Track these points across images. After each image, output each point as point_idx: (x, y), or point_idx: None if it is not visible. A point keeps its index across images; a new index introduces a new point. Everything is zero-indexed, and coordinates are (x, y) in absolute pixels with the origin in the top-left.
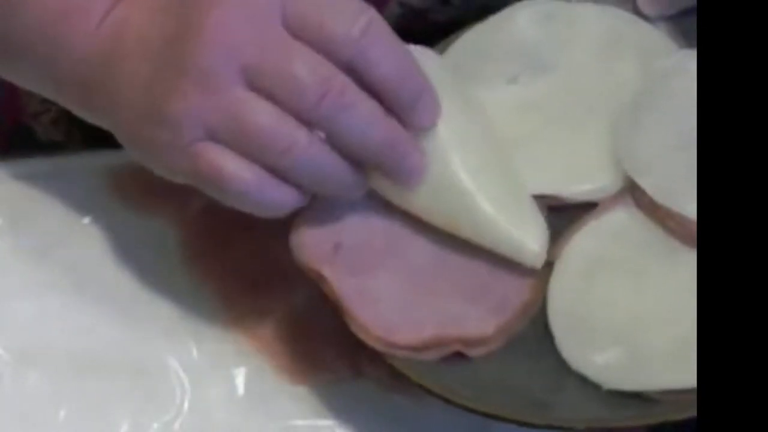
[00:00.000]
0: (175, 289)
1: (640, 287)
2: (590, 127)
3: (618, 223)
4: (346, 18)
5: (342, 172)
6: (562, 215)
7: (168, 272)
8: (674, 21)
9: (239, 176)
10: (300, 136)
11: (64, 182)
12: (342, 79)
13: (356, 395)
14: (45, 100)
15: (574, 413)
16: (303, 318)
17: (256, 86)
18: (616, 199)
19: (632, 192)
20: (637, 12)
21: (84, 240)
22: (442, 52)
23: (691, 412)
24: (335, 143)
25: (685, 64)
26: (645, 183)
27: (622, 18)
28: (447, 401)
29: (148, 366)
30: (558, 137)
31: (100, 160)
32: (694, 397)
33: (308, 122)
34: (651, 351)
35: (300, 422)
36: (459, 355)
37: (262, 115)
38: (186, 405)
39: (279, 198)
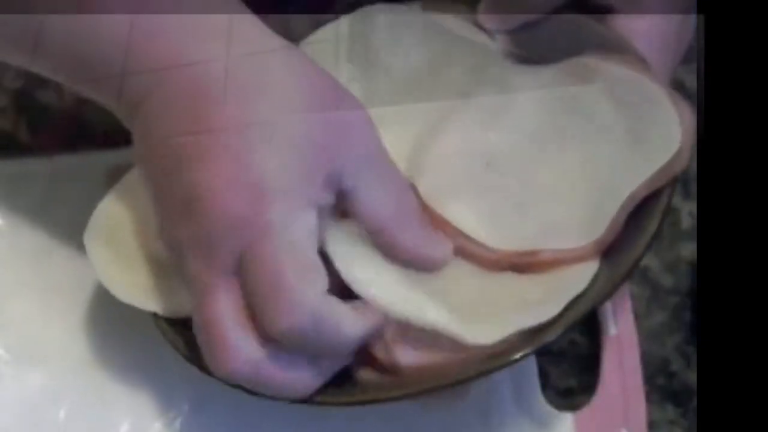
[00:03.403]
0: None
1: None
2: (395, 127)
3: None
4: None
5: (280, 385)
6: None
7: None
8: (513, 35)
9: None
10: (239, 351)
11: (63, 182)
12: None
13: None
14: None
15: None
16: None
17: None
18: None
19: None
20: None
21: (82, 240)
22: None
23: None
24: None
25: (497, 78)
26: (420, 183)
27: (459, 28)
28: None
29: (148, 366)
30: None
31: (98, 159)
32: None
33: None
34: None
35: (300, 422)
36: None
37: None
38: (186, 405)
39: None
